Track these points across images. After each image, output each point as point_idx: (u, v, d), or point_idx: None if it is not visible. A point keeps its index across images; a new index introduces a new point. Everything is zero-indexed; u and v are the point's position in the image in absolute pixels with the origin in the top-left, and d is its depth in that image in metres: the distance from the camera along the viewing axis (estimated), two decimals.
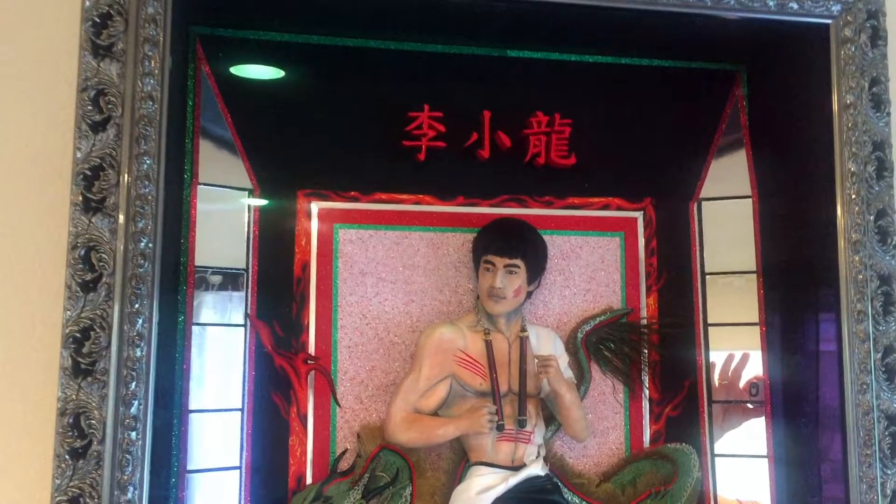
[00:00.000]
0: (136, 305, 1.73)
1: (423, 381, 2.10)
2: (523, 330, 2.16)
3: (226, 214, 2.14)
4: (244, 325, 2.12)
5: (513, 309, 2.14)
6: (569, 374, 2.21)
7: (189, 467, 2.01)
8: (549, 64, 2.33)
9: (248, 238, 2.15)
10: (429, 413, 2.10)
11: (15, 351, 1.84)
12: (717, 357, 2.32)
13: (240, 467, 2.07)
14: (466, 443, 2.11)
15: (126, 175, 1.76)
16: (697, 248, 2.37)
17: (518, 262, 2.11)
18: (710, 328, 2.33)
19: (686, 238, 2.37)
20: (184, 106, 2.10)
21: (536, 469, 2.10)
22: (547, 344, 2.18)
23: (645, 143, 2.37)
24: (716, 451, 2.30)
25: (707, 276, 2.35)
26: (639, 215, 2.36)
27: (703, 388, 2.32)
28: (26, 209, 1.86)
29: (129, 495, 1.68)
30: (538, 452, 2.14)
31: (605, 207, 2.35)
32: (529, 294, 2.20)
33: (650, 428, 2.30)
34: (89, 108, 1.77)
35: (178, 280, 2.03)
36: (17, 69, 1.90)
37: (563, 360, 2.20)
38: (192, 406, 2.03)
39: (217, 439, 2.07)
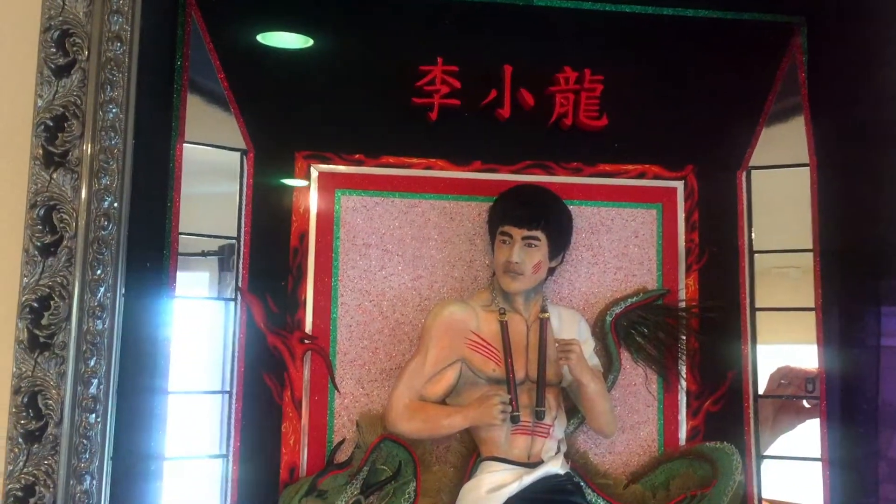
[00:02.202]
0: (98, 272, 1.53)
1: (430, 365, 1.88)
2: (544, 311, 1.92)
3: (216, 176, 1.94)
4: (234, 300, 1.92)
5: (532, 287, 1.90)
6: (595, 361, 1.96)
7: (168, 455, 1.81)
8: (580, 13, 2.07)
9: (241, 203, 1.94)
10: (435, 401, 1.88)
11: None
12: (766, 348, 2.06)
13: (226, 455, 1.88)
14: (477, 435, 1.89)
15: (90, 125, 1.55)
16: (745, 223, 2.11)
17: (538, 233, 1.87)
18: (757, 313, 2.07)
19: (732, 211, 2.11)
20: (171, 55, 1.90)
21: (555, 467, 1.87)
22: (570, 327, 1.94)
23: (687, 104, 2.11)
24: (762, 452, 2.03)
25: (756, 255, 2.09)
26: (679, 185, 2.11)
27: (748, 381, 2.06)
28: None
29: (86, 485, 1.48)
30: (558, 448, 1.91)
31: (641, 175, 2.10)
32: (552, 271, 1.96)
33: (687, 424, 2.05)
34: (52, 50, 1.57)
35: (160, 247, 1.84)
36: None
37: (589, 345, 1.96)
38: (172, 387, 1.83)
39: (201, 424, 1.88)
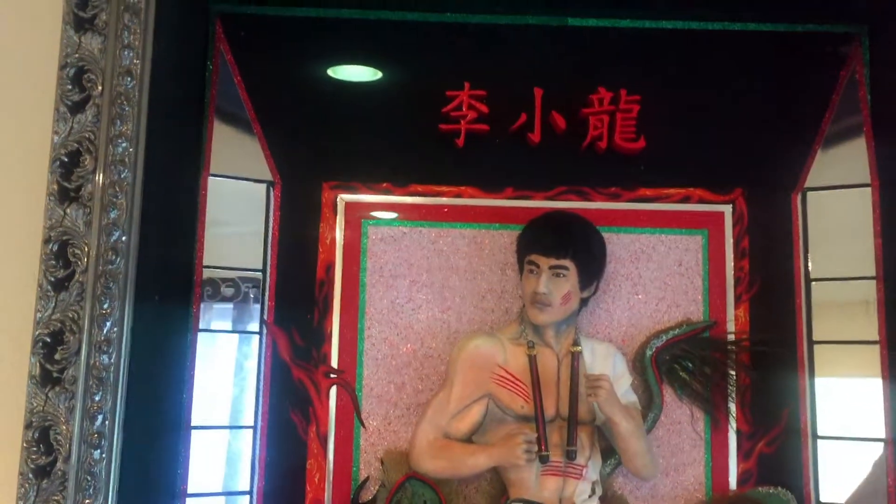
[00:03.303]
0: (105, 306, 1.52)
1: (455, 401, 1.81)
2: (576, 344, 1.82)
3: (242, 208, 1.93)
4: (259, 333, 1.90)
5: (562, 319, 1.81)
6: (631, 397, 1.85)
7: (190, 490, 1.79)
8: (615, 31, 1.98)
9: (266, 235, 1.92)
10: (460, 438, 1.80)
11: None
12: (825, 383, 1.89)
13: (250, 492, 1.85)
14: (505, 476, 1.80)
15: (102, 160, 1.56)
16: (801, 248, 1.95)
17: (566, 262, 1.77)
18: (815, 346, 1.91)
19: (786, 236, 1.96)
20: (198, 89, 1.91)
21: None
22: (604, 362, 1.83)
23: (735, 123, 1.98)
24: (822, 499, 1.86)
25: (813, 283, 1.94)
26: (727, 209, 1.97)
27: (806, 420, 1.89)
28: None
29: None
30: (592, 490, 1.79)
31: (685, 200, 1.98)
32: (585, 301, 1.86)
33: (738, 466, 1.90)
34: (69, 87, 1.59)
35: (183, 281, 1.83)
36: None
37: (625, 381, 1.85)
38: (195, 422, 1.81)
39: (224, 460, 1.85)
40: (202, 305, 1.85)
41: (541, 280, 1.78)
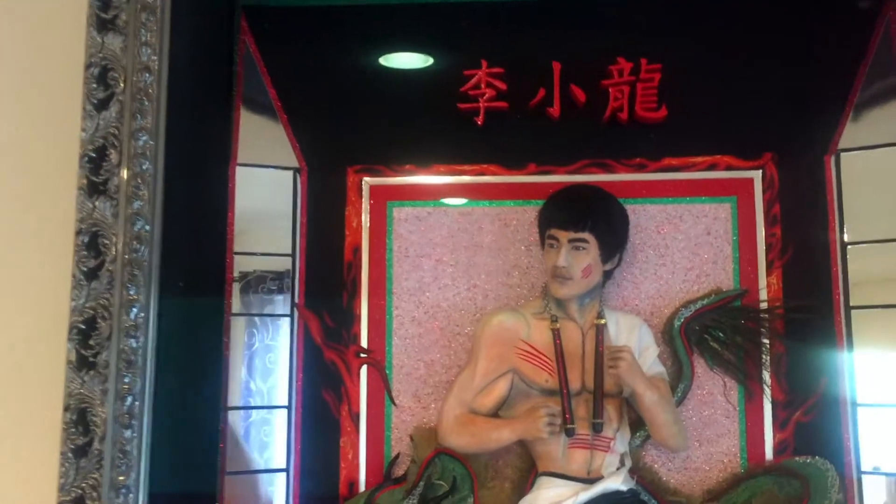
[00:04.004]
0: (132, 293, 1.59)
1: (479, 376, 1.82)
2: (600, 317, 1.81)
3: (270, 195, 1.98)
4: (290, 316, 1.95)
5: (584, 292, 1.80)
6: (658, 369, 1.83)
7: (229, 469, 1.86)
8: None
9: (295, 221, 1.97)
10: (487, 413, 1.82)
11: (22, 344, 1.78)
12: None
13: (287, 470, 1.90)
14: (533, 450, 1.81)
15: (126, 154, 1.63)
16: (836, 212, 1.89)
17: (585, 235, 1.77)
18: (853, 312, 1.85)
19: (820, 200, 1.90)
20: (226, 82, 1.96)
21: (616, 482, 1.75)
22: (629, 333, 1.82)
23: (761, 84, 1.93)
24: (863, 468, 1.81)
25: (849, 247, 1.87)
26: (756, 175, 1.93)
27: (845, 388, 1.84)
28: (32, 194, 1.80)
29: (121, 499, 1.54)
30: (621, 462, 1.79)
31: (712, 167, 1.94)
32: (609, 274, 1.85)
33: (774, 437, 1.86)
34: (94, 85, 1.67)
35: (216, 268, 1.90)
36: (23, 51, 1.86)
37: (651, 352, 1.83)
38: (231, 402, 1.88)
39: (262, 439, 1.92)
40: (235, 291, 1.92)
41: (560, 254, 1.77)
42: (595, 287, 1.82)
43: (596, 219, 1.78)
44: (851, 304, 1.85)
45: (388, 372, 1.93)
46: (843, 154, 1.90)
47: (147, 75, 1.64)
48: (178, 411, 1.70)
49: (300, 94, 2.00)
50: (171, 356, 1.68)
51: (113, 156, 1.65)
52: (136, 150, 1.62)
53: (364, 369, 1.93)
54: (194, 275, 1.80)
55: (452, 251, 1.96)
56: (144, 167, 1.62)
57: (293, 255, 1.97)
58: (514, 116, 1.94)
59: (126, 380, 1.57)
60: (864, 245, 1.86)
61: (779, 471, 1.82)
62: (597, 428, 1.75)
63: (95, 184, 1.66)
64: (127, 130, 1.64)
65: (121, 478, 1.56)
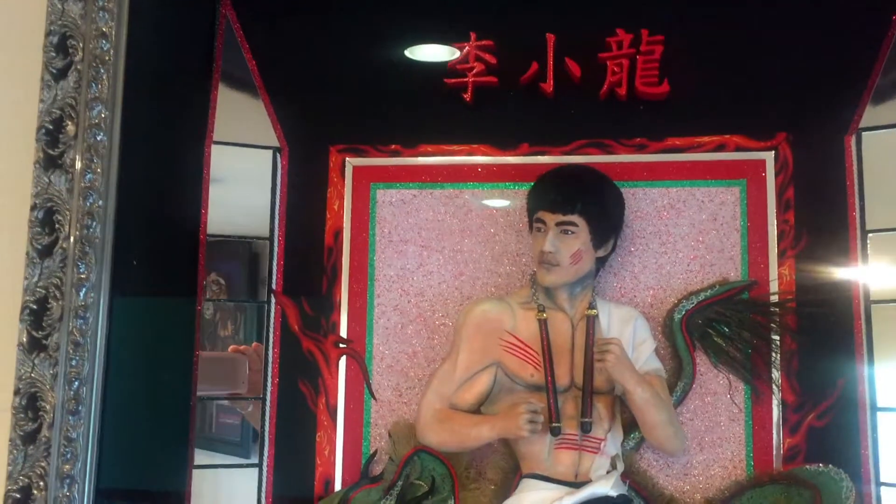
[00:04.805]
0: (83, 271, 1.50)
1: (460, 369, 1.70)
2: (591, 307, 1.67)
3: (248, 175, 1.89)
4: (267, 302, 1.85)
5: (574, 280, 1.67)
6: (655, 364, 1.68)
7: (197, 462, 1.76)
8: None
9: (273, 203, 1.87)
10: (467, 409, 1.70)
11: None
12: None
13: (259, 465, 1.80)
14: (517, 449, 1.68)
15: (83, 126, 1.55)
16: (856, 197, 1.73)
17: (574, 218, 1.63)
18: (873, 307, 1.68)
19: (839, 184, 1.74)
20: (208, 52, 1.87)
21: (605, 487, 1.60)
22: (623, 326, 1.68)
23: (775, 59, 1.78)
24: (883, 479, 1.64)
25: (869, 236, 1.71)
26: (768, 156, 1.78)
27: (864, 390, 1.67)
28: None
29: (66, 489, 1.45)
30: (612, 465, 1.64)
31: (720, 148, 1.79)
32: (602, 261, 1.71)
33: (783, 442, 1.70)
34: (53, 54, 1.59)
35: (187, 249, 1.80)
36: None
37: (647, 347, 1.68)
38: (202, 392, 1.78)
39: (233, 431, 1.82)
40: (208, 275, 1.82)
41: (547, 238, 1.64)
42: (586, 275, 1.68)
43: (586, 200, 1.64)
44: (872, 298, 1.69)
45: (368, 364, 1.82)
46: (864, 134, 1.73)
47: (104, 42, 1.56)
48: (136, 399, 1.61)
49: (281, 70, 1.90)
50: (126, 339, 1.59)
51: (70, 128, 1.56)
52: (90, 121, 1.54)
53: (343, 360, 1.83)
54: (157, 256, 1.71)
55: (439, 236, 1.84)
56: (98, 138, 1.53)
57: (271, 239, 1.86)
58: (505, 93, 1.83)
59: (73, 363, 1.48)
60: (887, 233, 1.69)
61: (788, 479, 1.66)
62: (585, 427, 1.62)
63: (52, 157, 1.58)
64: (83, 101, 1.55)
65: (66, 466, 1.46)
